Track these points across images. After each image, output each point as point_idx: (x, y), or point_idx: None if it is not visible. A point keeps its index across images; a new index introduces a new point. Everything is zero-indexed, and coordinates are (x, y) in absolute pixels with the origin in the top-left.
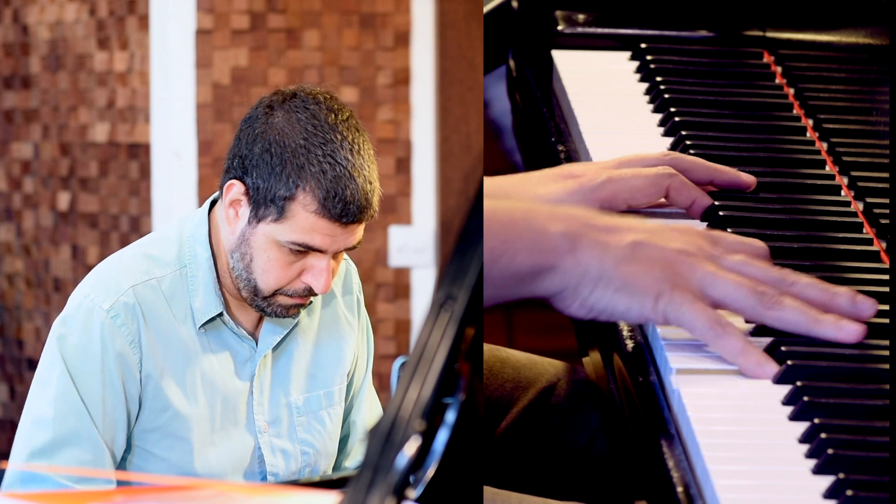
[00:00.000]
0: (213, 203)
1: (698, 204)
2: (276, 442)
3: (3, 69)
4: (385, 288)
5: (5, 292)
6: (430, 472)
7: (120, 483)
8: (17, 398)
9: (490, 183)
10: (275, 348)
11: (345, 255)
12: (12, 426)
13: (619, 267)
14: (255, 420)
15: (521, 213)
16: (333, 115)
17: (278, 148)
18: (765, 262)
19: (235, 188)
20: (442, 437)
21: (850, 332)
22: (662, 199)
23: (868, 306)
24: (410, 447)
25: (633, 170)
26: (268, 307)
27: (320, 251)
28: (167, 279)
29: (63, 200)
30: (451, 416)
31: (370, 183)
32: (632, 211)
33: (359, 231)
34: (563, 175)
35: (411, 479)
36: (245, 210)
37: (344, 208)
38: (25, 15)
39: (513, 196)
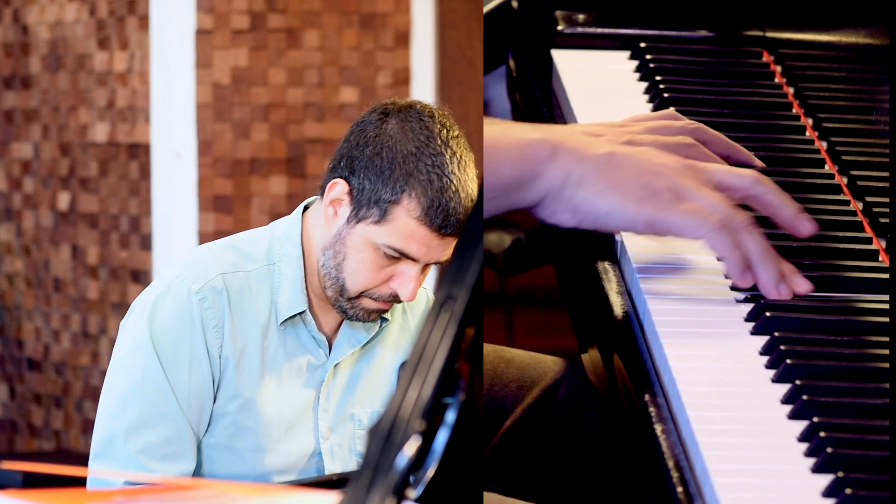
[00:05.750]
0: (307, 208)
1: None
2: (338, 450)
3: (3, 69)
4: None
5: (5, 292)
6: (430, 472)
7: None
8: (17, 398)
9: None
10: (348, 360)
11: (426, 287)
12: (12, 426)
13: (600, 170)
14: (319, 426)
15: (501, 129)
16: (446, 131)
17: (389, 153)
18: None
19: (339, 187)
20: (442, 437)
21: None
22: None
23: (809, 227)
24: (410, 447)
25: (652, 137)
26: (350, 308)
27: (414, 260)
28: (254, 274)
29: (63, 200)
30: (451, 416)
31: (472, 201)
32: None
33: (452, 246)
34: (588, 133)
35: (411, 479)
36: (345, 210)
37: (445, 220)
38: (25, 15)
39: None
